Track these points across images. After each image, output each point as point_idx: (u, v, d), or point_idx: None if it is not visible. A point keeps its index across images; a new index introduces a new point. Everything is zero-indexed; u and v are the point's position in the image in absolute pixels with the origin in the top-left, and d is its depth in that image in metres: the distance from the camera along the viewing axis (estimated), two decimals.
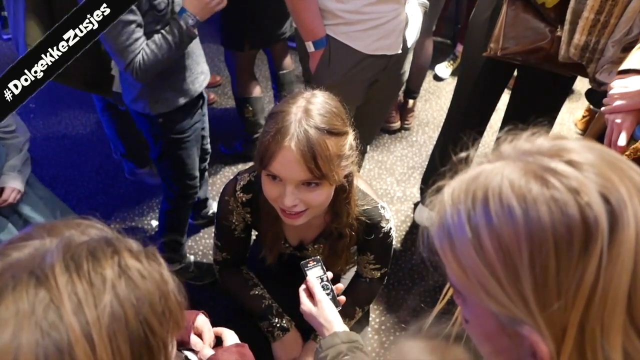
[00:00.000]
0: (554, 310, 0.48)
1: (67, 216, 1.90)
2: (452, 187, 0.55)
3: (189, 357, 0.96)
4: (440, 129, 2.30)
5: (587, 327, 0.48)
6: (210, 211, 2.39)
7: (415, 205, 2.55)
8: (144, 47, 1.50)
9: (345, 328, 1.10)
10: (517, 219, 0.48)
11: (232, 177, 1.35)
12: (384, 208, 1.31)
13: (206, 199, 2.35)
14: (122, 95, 1.81)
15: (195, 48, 1.73)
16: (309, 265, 1.20)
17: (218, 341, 1.10)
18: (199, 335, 1.07)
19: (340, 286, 1.25)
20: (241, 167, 2.72)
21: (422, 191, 2.46)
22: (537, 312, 0.48)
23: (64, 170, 2.71)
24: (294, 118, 1.06)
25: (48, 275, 0.45)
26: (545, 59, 1.59)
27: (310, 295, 1.15)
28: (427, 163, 2.43)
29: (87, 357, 0.43)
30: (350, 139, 1.15)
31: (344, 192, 1.22)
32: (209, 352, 1.02)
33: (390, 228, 1.33)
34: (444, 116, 2.21)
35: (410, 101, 2.99)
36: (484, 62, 1.80)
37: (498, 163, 0.53)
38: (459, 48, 3.36)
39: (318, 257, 1.22)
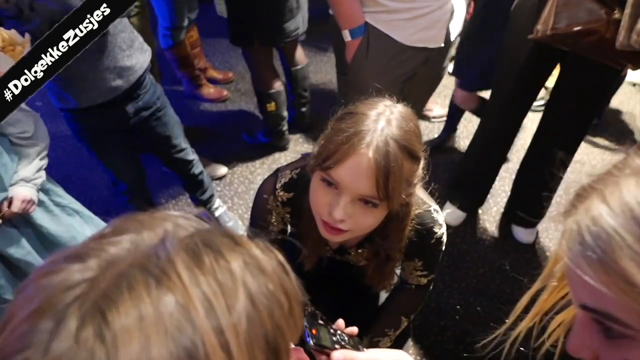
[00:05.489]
0: None
1: (89, 223, 1.79)
2: (609, 203, 0.45)
3: None
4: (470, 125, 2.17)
5: None
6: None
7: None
8: None
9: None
10: None
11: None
12: (437, 212, 1.18)
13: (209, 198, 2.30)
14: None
15: None
16: (315, 336, 0.89)
17: None
18: None
19: (355, 329, 1.01)
20: (262, 159, 2.63)
21: (454, 190, 2.34)
22: None
23: (75, 170, 2.62)
24: (373, 126, 0.92)
25: (168, 272, 0.36)
26: (597, 44, 1.45)
27: None
28: (458, 160, 2.30)
29: None
30: (421, 167, 1.01)
31: (398, 220, 1.09)
32: None
33: (443, 233, 1.20)
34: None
35: None
36: (528, 52, 1.70)
37: None
38: None
39: (312, 313, 0.94)
